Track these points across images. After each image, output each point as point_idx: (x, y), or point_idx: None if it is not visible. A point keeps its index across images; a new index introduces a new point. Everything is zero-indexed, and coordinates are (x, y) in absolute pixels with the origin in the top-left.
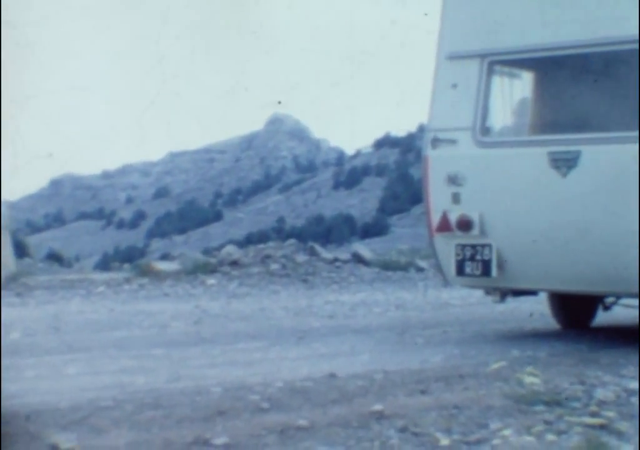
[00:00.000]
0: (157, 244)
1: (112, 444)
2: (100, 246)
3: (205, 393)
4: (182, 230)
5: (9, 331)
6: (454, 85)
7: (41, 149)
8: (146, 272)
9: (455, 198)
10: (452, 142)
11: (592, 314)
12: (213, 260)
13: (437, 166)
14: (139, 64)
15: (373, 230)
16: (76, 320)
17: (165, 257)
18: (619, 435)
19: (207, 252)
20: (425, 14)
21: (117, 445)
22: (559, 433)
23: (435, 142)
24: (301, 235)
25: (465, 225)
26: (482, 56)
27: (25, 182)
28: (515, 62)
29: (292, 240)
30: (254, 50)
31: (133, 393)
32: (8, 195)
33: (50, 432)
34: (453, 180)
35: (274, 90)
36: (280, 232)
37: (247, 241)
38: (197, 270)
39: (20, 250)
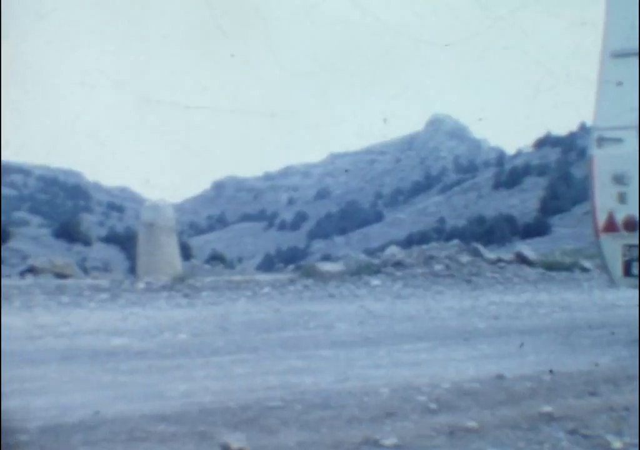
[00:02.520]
0: (318, 245)
1: (282, 444)
2: (262, 247)
3: (373, 394)
4: (342, 231)
5: (177, 332)
6: (619, 83)
7: (204, 153)
8: (310, 273)
9: (622, 198)
10: (618, 141)
11: None
12: (376, 261)
13: (602, 166)
14: (302, 66)
15: (534, 230)
16: (243, 320)
17: (326, 258)
18: None
19: (368, 252)
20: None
21: (287, 445)
22: None
23: (601, 141)
24: (462, 236)
25: (632, 225)
26: None
27: (189, 184)
28: None
29: (455, 241)
30: (414, 51)
31: (301, 393)
32: (172, 198)
33: (221, 431)
34: (619, 179)
35: (433, 90)
36: (441, 233)
37: (408, 242)
38: (361, 271)
39: (185, 252)
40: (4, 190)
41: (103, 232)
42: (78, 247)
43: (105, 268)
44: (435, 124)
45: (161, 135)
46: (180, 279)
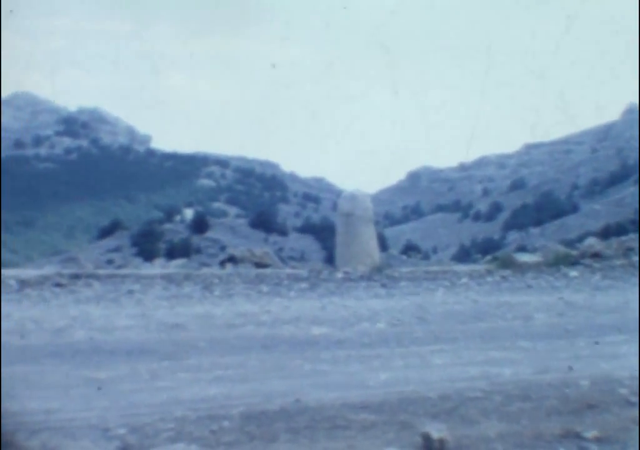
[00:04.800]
0: (513, 236)
1: (482, 435)
2: (456, 238)
3: (573, 386)
4: (537, 222)
5: (375, 321)
6: None
7: (399, 143)
8: (508, 263)
9: None
10: None
11: None
12: (574, 252)
13: None
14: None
15: None
16: (441, 311)
17: (522, 249)
18: None
19: (565, 243)
20: None
21: (487, 436)
22: None
23: None
24: None
25: None
26: None
27: (384, 175)
28: None
29: None
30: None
31: (501, 384)
32: (368, 188)
33: (421, 421)
34: None
35: (630, 78)
36: (638, 225)
37: (605, 233)
38: (559, 262)
39: (382, 242)
40: (203, 182)
41: (299, 222)
42: (274, 237)
43: (301, 258)
44: (633, 112)
45: (356, 126)
46: (378, 269)
